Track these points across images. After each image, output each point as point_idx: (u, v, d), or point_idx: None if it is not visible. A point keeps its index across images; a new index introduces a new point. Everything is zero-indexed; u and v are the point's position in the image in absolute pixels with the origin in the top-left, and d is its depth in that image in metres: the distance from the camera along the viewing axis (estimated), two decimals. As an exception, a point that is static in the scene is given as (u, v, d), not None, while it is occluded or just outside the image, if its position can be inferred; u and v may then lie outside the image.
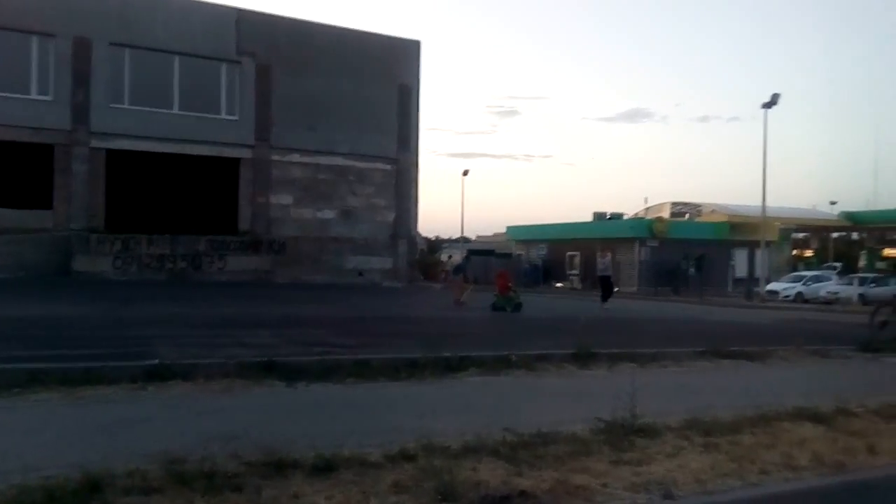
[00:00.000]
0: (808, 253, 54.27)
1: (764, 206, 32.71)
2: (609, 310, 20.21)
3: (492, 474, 3.93)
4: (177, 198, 28.49)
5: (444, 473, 3.75)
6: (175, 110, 26.11)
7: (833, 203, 53.29)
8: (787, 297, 33.12)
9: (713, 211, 46.82)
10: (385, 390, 6.48)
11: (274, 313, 14.73)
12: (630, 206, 79.69)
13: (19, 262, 22.88)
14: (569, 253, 45.03)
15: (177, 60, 26.10)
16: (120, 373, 6.29)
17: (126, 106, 25.24)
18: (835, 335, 13.10)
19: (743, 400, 6.24)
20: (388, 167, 29.95)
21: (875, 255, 47.16)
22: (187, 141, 25.99)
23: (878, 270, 39.38)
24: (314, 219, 28.44)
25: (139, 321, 11.92)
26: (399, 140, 30.11)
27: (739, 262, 42.09)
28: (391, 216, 30.12)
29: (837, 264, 45.68)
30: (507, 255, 48.52)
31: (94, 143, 24.63)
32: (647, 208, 50.32)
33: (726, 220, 44.29)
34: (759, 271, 35.94)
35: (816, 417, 5.70)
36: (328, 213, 28.77)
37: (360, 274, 28.99)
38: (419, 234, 37.66)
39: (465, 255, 27.60)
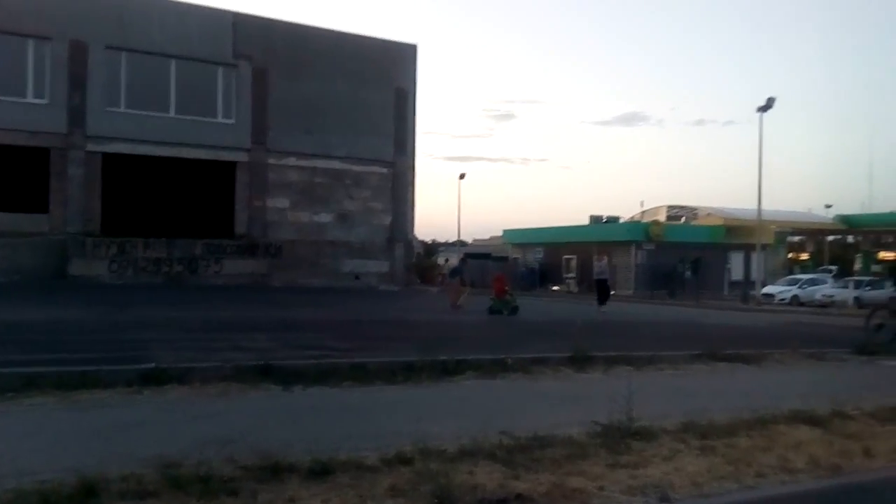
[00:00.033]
0: (804, 256, 54.41)
1: (760, 210, 32.77)
2: (606, 313, 20.24)
3: (488, 478, 3.93)
4: (173, 201, 28.47)
5: (441, 477, 3.75)
6: (171, 114, 26.10)
7: (828, 206, 53.34)
8: (782, 300, 33.19)
9: (709, 214, 46.92)
10: (382, 394, 6.47)
11: (270, 317, 14.70)
12: (626, 210, 79.90)
13: (15, 266, 22.82)
14: (565, 256, 45.07)
15: (173, 64, 26.10)
16: (116, 376, 6.27)
17: (122, 109, 25.22)
18: (830, 338, 13.13)
19: (739, 403, 6.25)
20: (385, 171, 29.96)
21: (870, 258, 47.26)
22: (183, 144, 25.98)
23: (873, 273, 39.45)
24: (311, 222, 28.42)
25: (135, 325, 11.89)
26: (396, 144, 30.13)
27: (735, 266, 42.15)
28: (388, 220, 30.12)
29: (833, 267, 45.82)
30: (504, 259, 48.55)
31: (91, 146, 24.60)
32: (644, 212, 50.41)
33: (722, 223, 44.39)
34: (755, 274, 35.98)
35: (812, 420, 5.71)
36: (325, 217, 28.76)
37: (357, 277, 28.98)
38: (416, 238, 37.64)
39: (461, 258, 27.53)
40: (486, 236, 66.08)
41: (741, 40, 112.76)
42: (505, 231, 53.10)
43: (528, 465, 4.20)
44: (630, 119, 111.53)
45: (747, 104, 57.00)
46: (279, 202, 27.82)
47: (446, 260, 39.34)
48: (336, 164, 28.77)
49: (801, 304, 31.98)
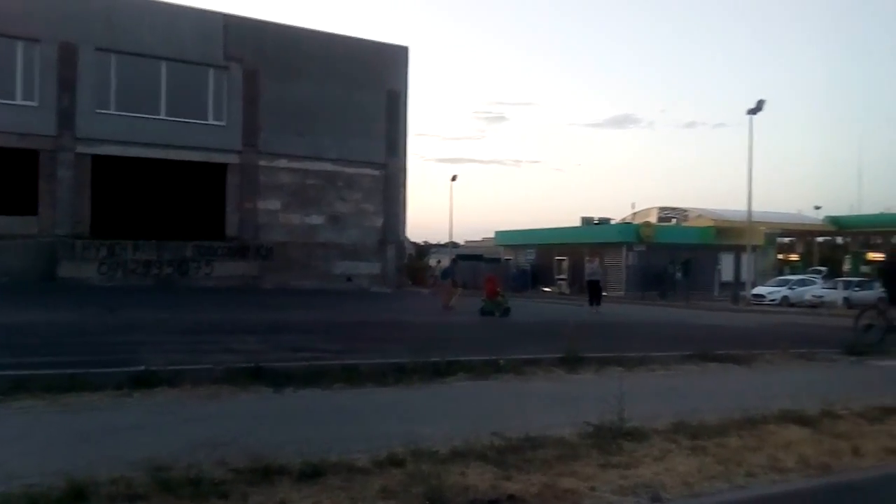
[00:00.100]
0: (794, 257, 54.67)
1: (750, 211, 32.94)
2: (601, 313, 20.30)
3: (480, 479, 3.93)
4: (163, 204, 28.34)
5: (433, 478, 3.75)
6: (162, 116, 26.00)
7: (818, 208, 53.69)
8: (772, 300, 33.35)
9: (700, 216, 47.13)
10: (373, 395, 6.46)
11: (261, 319, 14.66)
12: (618, 211, 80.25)
13: (4, 268, 22.67)
14: (557, 258, 45.14)
15: (164, 66, 26.00)
16: (105, 379, 6.23)
17: (112, 111, 25.10)
18: (820, 338, 13.21)
19: (729, 403, 6.27)
20: (377, 172, 29.94)
21: (859, 259, 47.58)
22: (174, 146, 25.88)
23: (862, 274, 39.72)
24: (302, 224, 28.36)
25: (125, 327, 11.83)
26: (387, 145, 30.12)
27: (726, 267, 42.34)
28: (379, 221, 30.10)
29: (822, 268, 46.08)
30: (496, 260, 48.61)
31: (80, 148, 24.47)
32: (635, 213, 50.58)
33: (713, 224, 44.60)
34: (745, 275, 36.17)
35: (802, 420, 5.74)
36: (316, 219, 28.70)
37: (349, 279, 28.93)
38: (408, 240, 37.66)
39: (452, 259, 27.57)
40: (478, 238, 66.14)
41: (732, 43, 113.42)
42: (497, 232, 53.16)
43: (520, 465, 4.20)
44: (621, 121, 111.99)
45: (738, 107, 57.42)
46: (270, 204, 27.75)
47: (438, 261, 39.35)
48: (327, 166, 28.73)
49: (791, 305, 32.14)
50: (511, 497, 3.68)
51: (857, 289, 31.58)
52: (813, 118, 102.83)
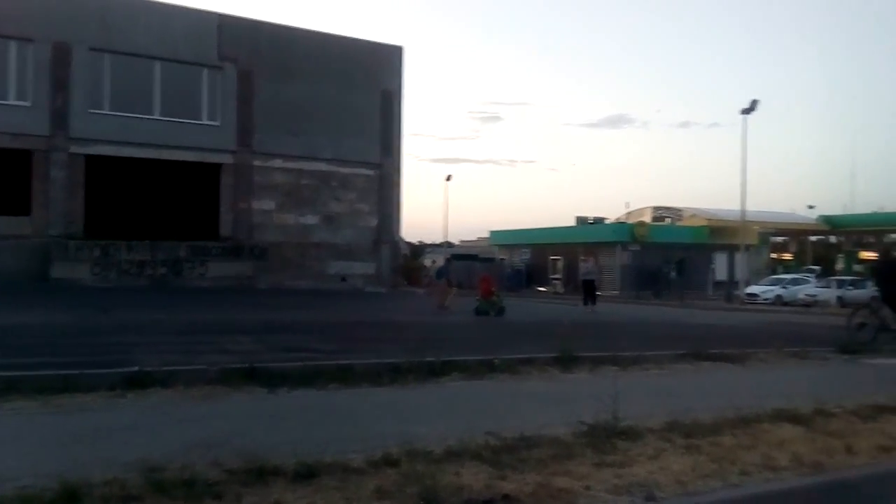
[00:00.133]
0: (787, 256, 54.89)
1: (743, 211, 33.05)
2: (597, 312, 20.33)
3: (475, 478, 3.93)
4: (157, 204, 28.27)
5: (427, 478, 3.74)
6: (156, 116, 25.94)
7: (811, 207, 53.97)
8: (766, 299, 33.47)
9: (694, 215, 47.28)
10: (367, 395, 6.45)
11: (255, 319, 14.63)
12: (612, 211, 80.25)
13: (-4, 270, 22.56)
14: (552, 257, 45.21)
15: (158, 66, 25.94)
16: (98, 380, 6.20)
17: (106, 111, 25.03)
18: (813, 337, 13.25)
19: (723, 402, 6.28)
20: (371, 172, 29.92)
21: (852, 258, 47.80)
22: (168, 146, 25.82)
23: (855, 273, 39.89)
24: (297, 224, 28.32)
25: (118, 328, 11.79)
26: (382, 145, 30.10)
27: (719, 266, 42.50)
28: (374, 221, 30.08)
29: (816, 267, 46.26)
30: (491, 260, 48.63)
31: (74, 148, 24.39)
32: (629, 213, 50.70)
33: (706, 224, 44.75)
34: (739, 274, 36.30)
35: (795, 418, 5.75)
36: (311, 219, 28.66)
37: (343, 279, 28.90)
38: (402, 240, 37.62)
39: (446, 258, 27.55)
40: (473, 237, 66.15)
41: (726, 43, 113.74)
42: (491, 232, 53.20)
43: (515, 465, 4.20)
44: (616, 121, 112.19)
45: (732, 106, 57.65)
46: (265, 204, 27.71)
47: (433, 261, 39.34)
48: (322, 166, 28.69)
49: (785, 304, 32.27)
50: (506, 497, 3.68)
51: (850, 288, 31.71)
52: (807, 118, 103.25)
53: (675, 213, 49.78)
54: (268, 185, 27.73)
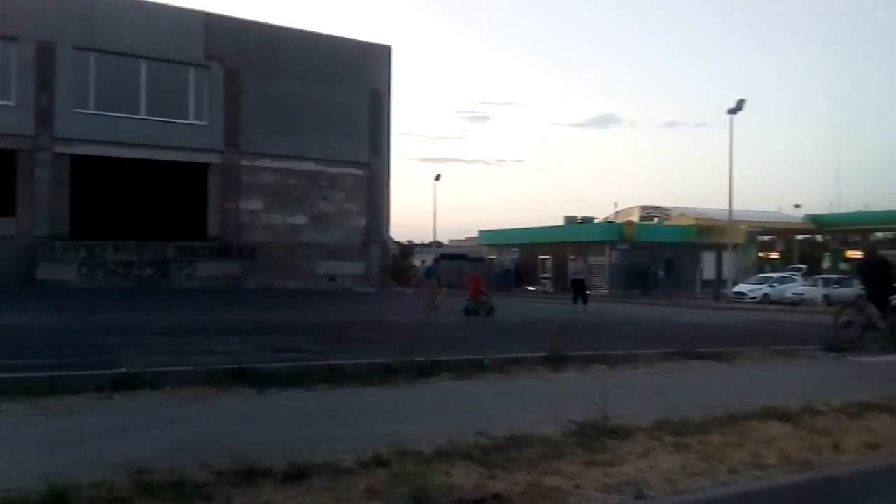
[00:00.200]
0: (774, 255, 55.28)
1: (731, 210, 33.27)
2: (588, 311, 20.38)
3: (465, 478, 3.93)
4: (144, 204, 28.09)
5: (418, 478, 3.74)
6: (142, 115, 25.76)
7: (797, 206, 54.42)
8: (753, 298, 33.69)
9: (681, 214, 47.52)
10: (357, 396, 6.44)
11: (244, 320, 14.57)
12: (600, 210, 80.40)
13: (-19, 271, 22.33)
14: (541, 257, 45.32)
15: (143, 65, 25.76)
16: (86, 382, 6.16)
17: (91, 111, 24.82)
18: (800, 335, 13.34)
19: (712, 400, 6.31)
20: (360, 172, 29.86)
21: (838, 256, 48.21)
22: (155, 146, 25.64)
23: (841, 272, 40.24)
24: (285, 224, 28.21)
25: (105, 329, 11.70)
26: (370, 145, 30.05)
27: (707, 265, 42.74)
28: (363, 221, 30.02)
29: (802, 266, 46.65)
30: (480, 260, 48.66)
31: (59, 148, 24.17)
32: (617, 212, 50.89)
33: (694, 223, 44.99)
34: (727, 273, 36.52)
35: (783, 416, 5.79)
36: (299, 219, 28.57)
37: (332, 279, 28.83)
38: (391, 239, 37.58)
39: (435, 257, 27.50)
40: (462, 237, 66.08)
41: (713, 44, 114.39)
42: (480, 232, 53.23)
43: (505, 464, 4.20)
44: (603, 121, 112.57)
45: (718, 106, 58.02)
46: (252, 204, 27.58)
47: (422, 261, 39.28)
48: (310, 166, 28.60)
49: (772, 303, 32.49)
50: (496, 496, 3.68)
51: (836, 286, 31.97)
52: (793, 118, 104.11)
53: (663, 212, 50.03)
54: (256, 185, 27.61)
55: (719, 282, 37.81)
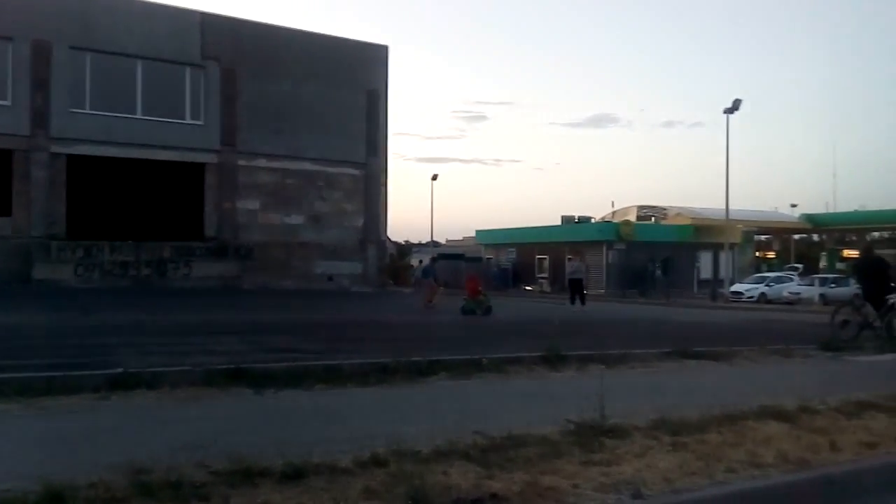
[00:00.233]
0: (771, 254, 55.39)
1: (727, 210, 33.31)
2: (586, 311, 20.37)
3: (463, 478, 3.93)
4: (140, 204, 28.03)
5: (415, 478, 3.73)
6: (138, 115, 25.70)
7: (794, 206, 54.55)
8: (750, 297, 33.75)
9: (678, 214, 47.55)
10: (355, 396, 6.44)
11: (241, 320, 14.54)
12: (597, 210, 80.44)
13: (-23, 271, 22.26)
14: (538, 256, 45.32)
15: (139, 64, 25.70)
16: (82, 382, 6.14)
17: (87, 111, 24.76)
18: (797, 335, 13.35)
19: (709, 399, 6.32)
20: (357, 172, 29.84)
21: (835, 256, 48.32)
22: (151, 146, 25.59)
23: (837, 271, 40.33)
24: (282, 224, 28.18)
25: (102, 329, 11.67)
26: (367, 145, 30.03)
27: (704, 264, 42.79)
28: (360, 221, 30.00)
29: (799, 265, 46.77)
30: (477, 259, 48.66)
31: (55, 148, 24.11)
32: (614, 212, 50.90)
33: (691, 223, 45.02)
34: (724, 273, 36.59)
35: (780, 415, 5.80)
36: (296, 219, 28.53)
37: (330, 279, 28.80)
38: (389, 239, 37.55)
39: (432, 257, 27.48)
40: (460, 237, 66.09)
41: (709, 43, 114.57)
42: (477, 231, 53.23)
43: (503, 464, 4.20)
44: (600, 121, 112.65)
45: (715, 106, 58.05)
46: (249, 204, 27.55)
47: (420, 261, 39.27)
48: (307, 166, 28.58)
49: (769, 302, 32.55)
50: (494, 496, 3.68)
51: (832, 285, 32.04)
52: (789, 117, 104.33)
53: (659, 211, 50.06)
54: (252, 185, 27.57)
55: (716, 281, 37.85)
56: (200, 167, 26.82)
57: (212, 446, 4.30)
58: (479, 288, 19.56)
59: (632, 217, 48.00)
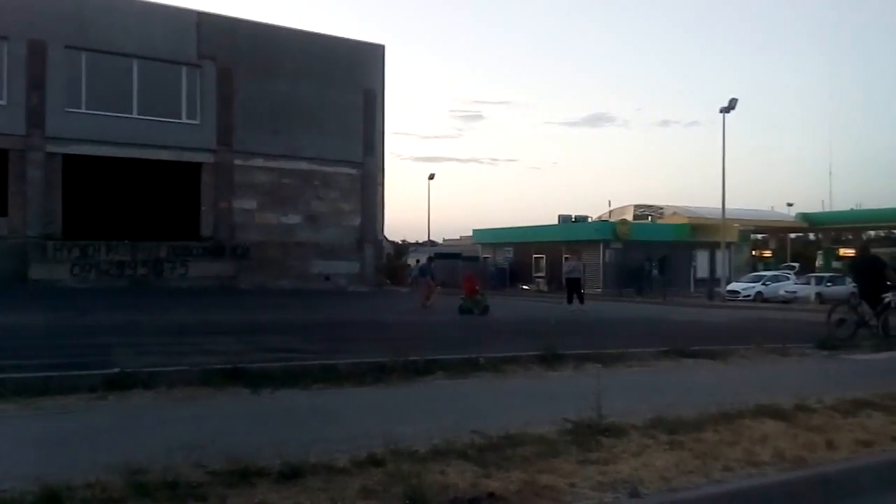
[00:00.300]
0: (767, 253, 55.55)
1: (724, 209, 33.33)
2: (585, 311, 20.36)
3: (460, 477, 3.93)
4: (137, 204, 27.96)
5: (413, 477, 3.74)
6: (134, 115, 25.64)
7: (790, 205, 54.73)
8: (747, 296, 33.79)
9: (675, 213, 47.61)
10: (352, 395, 6.43)
11: (238, 320, 14.53)
12: (594, 209, 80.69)
13: (-28, 271, 22.19)
14: (535, 256, 45.34)
15: (135, 64, 25.64)
16: (79, 382, 6.13)
17: (83, 110, 24.69)
18: (793, 333, 13.37)
19: (706, 398, 6.33)
20: (354, 171, 29.81)
21: (831, 254, 48.45)
22: (147, 146, 25.53)
23: (834, 270, 40.43)
24: (279, 224, 28.15)
25: (98, 329, 11.65)
26: (364, 144, 30.00)
27: (701, 263, 42.83)
28: (357, 220, 29.98)
29: (795, 264, 46.87)
30: (474, 259, 48.65)
31: (50, 148, 24.05)
32: (611, 211, 50.97)
33: (687, 222, 45.08)
34: (720, 272, 36.62)
35: (777, 414, 5.81)
36: (293, 218, 28.50)
37: (327, 279, 28.78)
38: (386, 239, 37.54)
39: (428, 256, 27.39)
40: (457, 236, 66.11)
41: (705, 43, 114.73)
42: (474, 231, 53.22)
43: (500, 463, 4.21)
44: (596, 120, 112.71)
45: (711, 105, 58.17)
46: (246, 203, 27.50)
47: (417, 261, 39.20)
48: (304, 165, 28.54)
49: (765, 301, 32.59)
50: (491, 495, 3.68)
51: (829, 284, 32.10)
52: (785, 116, 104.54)
53: (656, 211, 50.12)
54: (249, 185, 27.53)
55: (713, 280, 37.89)
56: (197, 167, 26.78)
57: (209, 446, 4.29)
58: (476, 287, 19.56)
59: (628, 216, 48.05)
